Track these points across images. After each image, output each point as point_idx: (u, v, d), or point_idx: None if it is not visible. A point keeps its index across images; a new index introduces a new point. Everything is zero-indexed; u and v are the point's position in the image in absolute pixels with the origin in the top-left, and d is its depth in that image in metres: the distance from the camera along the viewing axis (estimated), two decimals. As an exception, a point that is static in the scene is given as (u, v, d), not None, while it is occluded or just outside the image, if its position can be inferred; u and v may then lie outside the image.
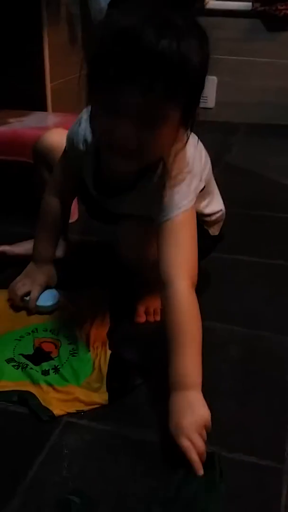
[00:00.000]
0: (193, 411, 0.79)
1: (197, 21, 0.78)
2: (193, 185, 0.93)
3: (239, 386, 0.94)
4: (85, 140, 1.00)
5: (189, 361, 0.83)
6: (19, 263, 1.18)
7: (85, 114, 0.99)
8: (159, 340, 1.02)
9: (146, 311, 1.11)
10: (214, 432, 0.80)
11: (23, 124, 1.57)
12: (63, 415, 0.86)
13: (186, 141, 0.87)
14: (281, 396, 0.92)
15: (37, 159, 1.21)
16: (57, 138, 1.15)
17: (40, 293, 1.11)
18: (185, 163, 0.91)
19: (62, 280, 1.16)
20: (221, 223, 1.15)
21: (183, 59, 0.73)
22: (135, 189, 0.96)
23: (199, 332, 0.85)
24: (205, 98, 2.67)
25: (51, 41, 1.81)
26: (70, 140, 1.04)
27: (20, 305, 1.10)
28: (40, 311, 1.10)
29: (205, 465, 0.76)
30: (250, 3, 2.52)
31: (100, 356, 0.98)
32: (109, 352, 0.99)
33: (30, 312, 1.10)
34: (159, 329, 1.06)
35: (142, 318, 1.10)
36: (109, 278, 1.22)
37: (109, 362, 0.96)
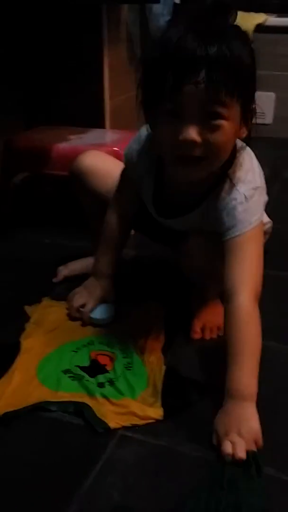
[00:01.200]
0: (246, 421, 0.80)
1: (234, 24, 0.84)
2: (262, 200, 0.95)
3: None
4: (145, 159, 1.01)
5: (248, 373, 0.84)
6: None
7: (143, 133, 1.01)
8: (216, 357, 1.02)
9: (203, 328, 1.10)
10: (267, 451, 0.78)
11: (82, 141, 1.61)
12: (118, 428, 0.86)
13: (249, 139, 0.90)
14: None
15: (73, 180, 1.21)
16: (90, 161, 1.17)
17: (95, 306, 1.13)
18: (252, 177, 0.93)
19: (119, 293, 1.17)
20: (267, 236, 1.13)
21: (232, 57, 0.78)
22: (200, 207, 0.97)
23: (259, 348, 0.86)
24: (263, 114, 2.65)
25: (111, 60, 1.85)
26: (129, 159, 1.05)
27: (75, 315, 1.12)
28: (93, 323, 1.12)
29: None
30: (310, 19, 2.50)
31: (155, 371, 0.98)
32: (164, 367, 0.99)
33: (84, 323, 1.12)
34: (216, 346, 1.06)
35: (198, 335, 1.09)
36: (164, 293, 1.22)
37: (164, 377, 0.96)
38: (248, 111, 0.86)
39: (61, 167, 1.55)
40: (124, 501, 0.74)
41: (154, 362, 1.00)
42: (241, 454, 0.77)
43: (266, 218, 1.10)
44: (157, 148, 0.92)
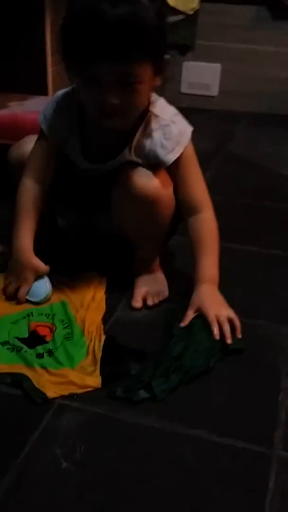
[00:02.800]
0: (220, 301, 1.04)
1: None
2: (185, 120, 1.05)
3: (233, 372, 0.94)
4: (65, 118, 1.05)
5: (216, 265, 1.07)
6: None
7: (58, 94, 1.08)
8: (154, 326, 1.04)
9: (145, 295, 1.11)
10: (204, 415, 0.81)
11: (23, 108, 1.57)
12: (56, 398, 0.87)
13: (163, 85, 0.98)
14: (273, 382, 0.92)
15: (13, 165, 1.17)
16: (27, 148, 1.13)
17: (29, 288, 1.10)
18: (168, 107, 1.05)
19: (57, 265, 1.15)
20: None
21: (140, 20, 0.85)
22: (132, 143, 1.02)
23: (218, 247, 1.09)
24: (208, 86, 2.65)
25: (53, 25, 1.79)
26: (48, 122, 1.07)
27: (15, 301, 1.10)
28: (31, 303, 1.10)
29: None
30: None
31: (94, 340, 0.98)
32: (103, 336, 0.99)
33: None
34: (155, 315, 1.08)
35: (139, 303, 1.10)
36: (104, 262, 1.22)
37: (103, 346, 0.97)
38: (159, 65, 0.94)
39: (1, 136, 1.50)
40: (62, 469, 0.75)
41: (94, 332, 1.01)
42: (229, 339, 0.98)
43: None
44: (80, 100, 0.99)
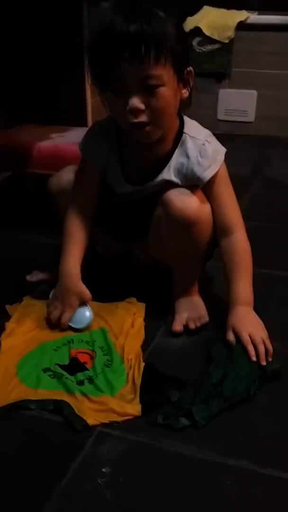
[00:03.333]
0: (256, 323, 1.04)
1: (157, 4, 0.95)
2: (218, 142, 1.08)
3: (274, 400, 0.93)
4: (104, 144, 1.09)
5: (250, 287, 1.08)
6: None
7: (95, 125, 1.14)
8: (193, 354, 1.04)
9: (186, 320, 1.11)
10: (245, 445, 0.80)
11: (64, 139, 1.62)
12: (96, 425, 0.87)
13: (190, 97, 1.02)
14: None
15: (53, 194, 1.21)
16: (66, 178, 1.18)
17: (72, 314, 1.11)
18: (202, 129, 1.09)
19: (97, 292, 1.17)
20: None
21: (158, 25, 0.90)
22: (169, 164, 1.06)
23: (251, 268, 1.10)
24: (245, 112, 2.67)
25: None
26: (88, 148, 1.11)
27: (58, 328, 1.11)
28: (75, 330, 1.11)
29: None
30: (291, 17, 2.51)
31: (134, 368, 0.99)
32: (143, 364, 1.00)
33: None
34: (194, 343, 1.08)
35: (179, 327, 1.10)
36: (143, 289, 1.23)
37: (142, 374, 0.97)
38: (183, 73, 0.98)
39: (44, 166, 1.55)
40: (102, 497, 0.75)
41: (133, 359, 1.01)
42: (263, 361, 0.98)
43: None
44: (113, 118, 1.02)
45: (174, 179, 1.06)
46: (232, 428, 0.87)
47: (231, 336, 1.02)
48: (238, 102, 2.67)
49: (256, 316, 1.06)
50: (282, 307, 1.21)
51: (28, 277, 1.31)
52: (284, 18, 2.54)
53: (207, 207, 1.07)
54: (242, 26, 2.58)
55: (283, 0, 2.57)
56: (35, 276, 1.31)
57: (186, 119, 1.09)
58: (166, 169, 1.07)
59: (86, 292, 1.11)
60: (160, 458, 0.82)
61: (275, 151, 2.47)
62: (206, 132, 1.08)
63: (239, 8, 2.64)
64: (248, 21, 2.59)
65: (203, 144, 1.05)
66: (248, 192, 1.86)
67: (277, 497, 0.76)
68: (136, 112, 0.95)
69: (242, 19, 2.58)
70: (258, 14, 2.62)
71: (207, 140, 1.05)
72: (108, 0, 1.04)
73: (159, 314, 1.16)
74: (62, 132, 1.70)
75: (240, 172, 2.21)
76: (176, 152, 1.06)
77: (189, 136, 1.05)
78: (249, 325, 1.03)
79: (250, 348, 0.98)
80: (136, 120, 0.96)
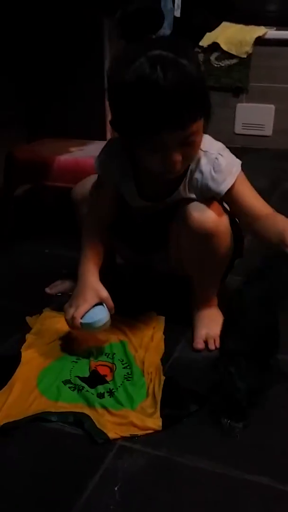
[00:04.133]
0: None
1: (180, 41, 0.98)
2: (232, 155, 1.07)
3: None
4: (119, 163, 1.09)
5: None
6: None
7: (111, 142, 1.13)
8: (214, 367, 1.03)
9: (206, 338, 1.11)
10: (266, 461, 0.80)
11: (83, 153, 1.63)
12: (117, 439, 0.87)
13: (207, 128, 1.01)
14: None
15: (77, 203, 1.23)
16: (88, 187, 1.18)
17: (87, 309, 1.05)
18: (215, 142, 1.07)
19: (115, 304, 1.16)
20: None
21: (190, 84, 0.89)
22: (184, 180, 1.06)
23: None
24: (263, 126, 2.67)
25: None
26: (102, 166, 1.12)
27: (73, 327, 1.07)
28: (85, 328, 1.05)
29: None
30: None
31: (154, 381, 0.99)
32: (163, 378, 1.00)
33: (79, 331, 1.07)
34: (214, 357, 1.07)
35: (201, 345, 1.10)
36: (162, 302, 1.23)
37: (163, 388, 0.97)
38: (207, 118, 0.99)
39: (63, 179, 1.57)
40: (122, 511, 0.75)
41: (153, 373, 1.01)
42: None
43: None
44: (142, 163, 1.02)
45: (191, 195, 1.07)
46: (253, 445, 0.86)
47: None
48: (256, 116, 2.68)
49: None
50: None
51: (47, 290, 1.32)
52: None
53: (225, 219, 1.08)
54: (260, 41, 2.60)
55: (301, 15, 2.59)
56: (54, 289, 1.32)
57: None
58: (182, 187, 1.07)
59: (103, 290, 1.08)
60: (181, 473, 0.81)
61: (293, 165, 2.46)
62: (219, 146, 1.08)
63: (257, 23, 2.66)
64: (266, 36, 2.60)
65: (216, 158, 1.04)
66: (267, 206, 1.86)
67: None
68: (176, 165, 0.96)
69: (260, 34, 2.59)
70: (276, 30, 2.63)
71: (220, 154, 1.05)
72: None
73: (178, 327, 1.16)
74: (81, 146, 1.71)
75: (258, 186, 2.18)
76: (190, 168, 1.06)
77: (202, 151, 1.05)
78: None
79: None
80: (175, 171, 0.97)
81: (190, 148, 0.96)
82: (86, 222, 1.15)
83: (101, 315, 1.05)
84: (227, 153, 1.07)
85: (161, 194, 1.10)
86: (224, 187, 1.05)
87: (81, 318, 1.04)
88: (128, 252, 1.25)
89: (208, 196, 1.06)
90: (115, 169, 1.10)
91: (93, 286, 1.08)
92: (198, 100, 0.92)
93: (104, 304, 1.07)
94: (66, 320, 1.08)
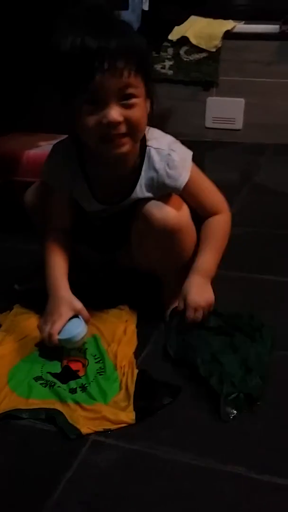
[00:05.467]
0: (204, 292, 1.07)
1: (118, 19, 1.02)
2: (183, 147, 1.07)
3: (268, 407, 0.92)
4: (67, 167, 1.07)
5: (215, 261, 1.10)
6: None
7: (54, 148, 1.12)
8: (188, 359, 1.03)
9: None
10: (241, 452, 0.80)
11: (53, 147, 1.61)
12: (90, 434, 0.86)
13: (152, 112, 1.01)
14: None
15: (28, 209, 1.21)
16: (42, 193, 1.16)
17: (63, 324, 1.02)
18: (164, 137, 1.07)
19: (86, 300, 1.15)
20: None
21: (131, 39, 0.93)
22: (138, 181, 1.05)
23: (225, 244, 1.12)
24: (233, 120, 2.68)
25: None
26: (51, 175, 1.10)
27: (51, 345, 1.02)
28: (64, 344, 1.01)
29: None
30: (278, 26, 2.54)
31: (127, 375, 0.98)
32: (136, 371, 0.99)
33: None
34: (189, 346, 1.07)
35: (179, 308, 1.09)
36: (134, 296, 1.22)
37: (136, 381, 0.96)
38: (148, 88, 0.98)
39: (31, 174, 1.54)
40: (96, 507, 0.74)
41: (126, 366, 1.00)
42: (200, 316, 1.06)
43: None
44: (84, 136, 0.99)
45: (148, 195, 1.05)
46: (228, 435, 0.86)
47: (181, 305, 1.07)
48: (226, 110, 2.68)
49: (210, 287, 1.09)
50: (275, 312, 1.20)
51: (16, 286, 1.29)
52: (270, 27, 2.57)
53: (185, 212, 1.07)
54: (229, 35, 2.60)
55: (269, 9, 2.60)
56: (23, 285, 1.30)
57: (147, 129, 1.05)
58: (138, 188, 1.05)
59: (77, 301, 1.05)
60: (155, 466, 0.81)
61: (263, 157, 2.48)
62: (169, 140, 1.06)
63: (225, 17, 2.66)
64: (235, 30, 2.61)
65: (169, 154, 1.03)
66: (238, 199, 1.87)
67: (274, 502, 0.75)
68: (115, 125, 0.93)
69: (229, 28, 2.60)
70: (245, 23, 2.64)
71: (172, 149, 1.04)
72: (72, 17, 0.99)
73: (151, 321, 1.15)
74: (51, 140, 1.67)
75: (229, 179, 2.22)
76: (144, 167, 1.04)
77: (153, 148, 1.04)
78: (198, 293, 1.06)
79: (188, 314, 1.05)
80: (115, 132, 0.94)
81: (131, 110, 0.94)
82: (46, 233, 1.12)
83: (78, 328, 1.01)
84: (178, 147, 1.06)
85: (116, 196, 1.07)
86: (181, 183, 1.04)
87: (58, 334, 1.00)
88: (90, 252, 1.22)
89: (166, 192, 1.05)
90: (66, 174, 1.07)
91: (65, 299, 1.05)
92: (137, 55, 0.92)
93: (80, 316, 1.04)
94: (43, 338, 1.03)
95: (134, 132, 0.97)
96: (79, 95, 0.92)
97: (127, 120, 0.94)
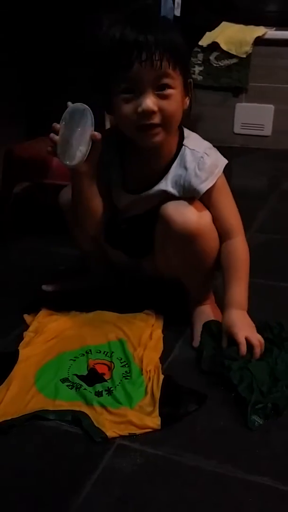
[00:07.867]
0: (252, 325, 1.04)
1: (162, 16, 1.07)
2: (219, 154, 1.09)
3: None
4: (108, 150, 1.07)
5: (245, 290, 1.08)
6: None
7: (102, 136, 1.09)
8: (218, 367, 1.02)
9: None
10: (266, 462, 0.79)
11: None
12: (115, 437, 0.86)
13: (190, 108, 1.05)
14: None
15: (64, 209, 1.21)
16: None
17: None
18: (202, 142, 1.09)
19: (115, 304, 1.16)
20: None
21: (170, 34, 0.96)
22: (168, 174, 1.07)
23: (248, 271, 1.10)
24: (262, 126, 2.67)
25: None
26: None
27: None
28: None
29: None
30: (309, 32, 2.52)
31: (153, 380, 0.98)
32: (161, 376, 0.99)
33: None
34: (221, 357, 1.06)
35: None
36: (161, 301, 1.22)
37: (161, 386, 0.96)
38: (187, 83, 1.02)
39: (61, 177, 1.55)
40: (121, 511, 0.74)
41: (152, 371, 1.00)
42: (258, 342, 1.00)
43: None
44: (121, 125, 1.02)
45: (171, 190, 1.07)
46: (253, 444, 0.86)
47: (225, 342, 1.02)
48: (255, 116, 2.67)
49: (250, 319, 1.05)
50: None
51: (44, 287, 1.31)
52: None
53: (207, 216, 1.07)
54: (259, 41, 2.59)
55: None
56: (51, 286, 1.31)
57: (186, 131, 1.10)
58: (163, 180, 1.07)
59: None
60: (179, 473, 0.81)
61: (292, 165, 2.46)
62: (206, 145, 1.09)
63: (257, 24, 2.65)
64: (266, 36, 2.60)
65: (202, 157, 1.05)
66: (266, 206, 1.86)
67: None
68: (149, 114, 0.96)
69: (260, 34, 2.58)
70: (276, 30, 2.63)
71: (206, 153, 1.06)
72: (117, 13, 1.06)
73: (177, 326, 1.15)
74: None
75: (257, 186, 2.21)
76: (175, 163, 1.07)
77: (189, 148, 1.06)
78: (244, 326, 1.02)
79: (243, 347, 0.98)
80: (148, 122, 0.97)
81: (166, 101, 0.97)
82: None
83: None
84: (213, 152, 1.08)
85: (144, 187, 1.09)
86: (204, 186, 1.05)
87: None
88: (119, 254, 1.23)
89: (189, 195, 1.06)
90: (103, 161, 1.06)
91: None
92: (178, 50, 0.96)
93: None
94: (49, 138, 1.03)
95: (168, 123, 1.00)
96: (118, 83, 0.97)
97: (162, 111, 0.97)
